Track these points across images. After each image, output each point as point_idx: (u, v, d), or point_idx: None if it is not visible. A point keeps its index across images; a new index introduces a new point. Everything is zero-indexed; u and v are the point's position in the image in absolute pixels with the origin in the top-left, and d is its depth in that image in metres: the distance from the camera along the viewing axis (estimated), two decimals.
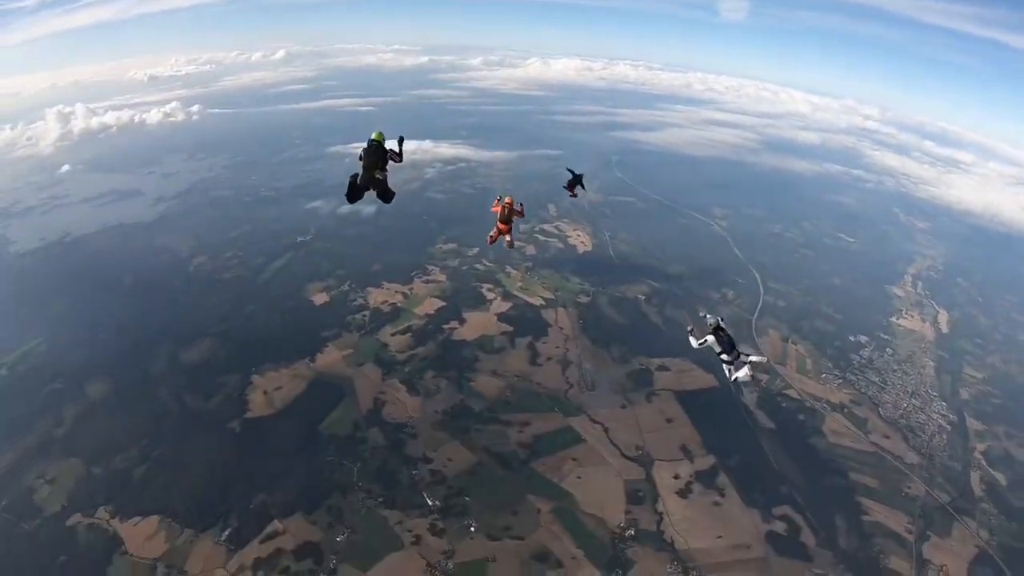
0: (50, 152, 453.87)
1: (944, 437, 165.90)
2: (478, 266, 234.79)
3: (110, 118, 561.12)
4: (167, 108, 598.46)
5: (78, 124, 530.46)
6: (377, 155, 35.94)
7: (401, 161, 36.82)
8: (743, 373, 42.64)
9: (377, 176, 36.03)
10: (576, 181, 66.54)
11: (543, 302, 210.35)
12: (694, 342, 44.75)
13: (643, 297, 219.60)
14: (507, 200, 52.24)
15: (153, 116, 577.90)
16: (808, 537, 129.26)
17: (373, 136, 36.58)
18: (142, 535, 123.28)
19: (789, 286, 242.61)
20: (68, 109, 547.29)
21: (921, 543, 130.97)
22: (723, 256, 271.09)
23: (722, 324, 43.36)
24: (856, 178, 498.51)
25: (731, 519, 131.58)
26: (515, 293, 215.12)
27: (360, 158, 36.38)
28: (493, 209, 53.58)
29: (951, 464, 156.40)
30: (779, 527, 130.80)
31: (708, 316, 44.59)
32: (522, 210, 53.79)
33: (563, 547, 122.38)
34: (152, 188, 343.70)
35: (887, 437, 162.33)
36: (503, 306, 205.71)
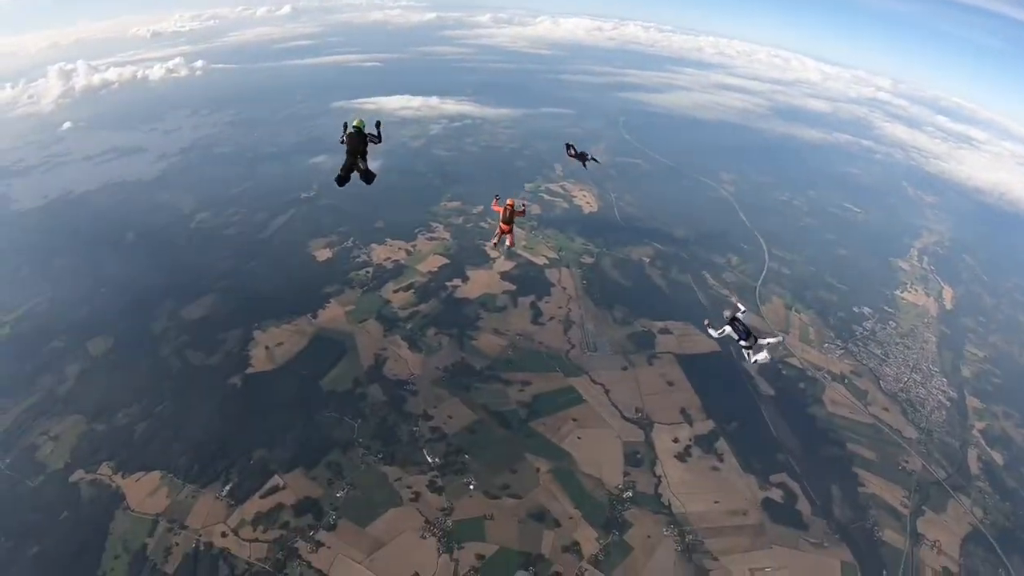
0: (51, 110, 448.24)
1: (943, 413, 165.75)
2: (482, 224, 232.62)
3: (112, 74, 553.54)
4: (170, 64, 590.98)
5: (80, 81, 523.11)
6: (358, 140, 39.81)
7: (379, 142, 40.74)
8: (762, 356, 44.06)
9: (359, 163, 39.76)
10: (581, 157, 65.72)
11: (547, 261, 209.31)
12: (713, 332, 45.91)
13: (647, 260, 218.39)
14: (508, 201, 52.07)
15: (156, 72, 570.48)
16: (804, 505, 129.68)
17: (354, 123, 40.54)
18: (144, 491, 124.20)
19: (794, 254, 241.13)
20: (70, 66, 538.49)
21: (915, 517, 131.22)
22: (729, 221, 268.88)
23: (738, 316, 44.59)
24: (866, 149, 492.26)
25: (728, 484, 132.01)
26: (519, 252, 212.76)
27: (342, 141, 40.64)
28: (494, 208, 53.21)
29: (949, 441, 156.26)
30: (776, 494, 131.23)
31: (725, 311, 45.73)
32: (524, 210, 53.85)
33: (561, 507, 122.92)
34: (155, 145, 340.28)
35: (886, 410, 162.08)
36: (506, 265, 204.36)
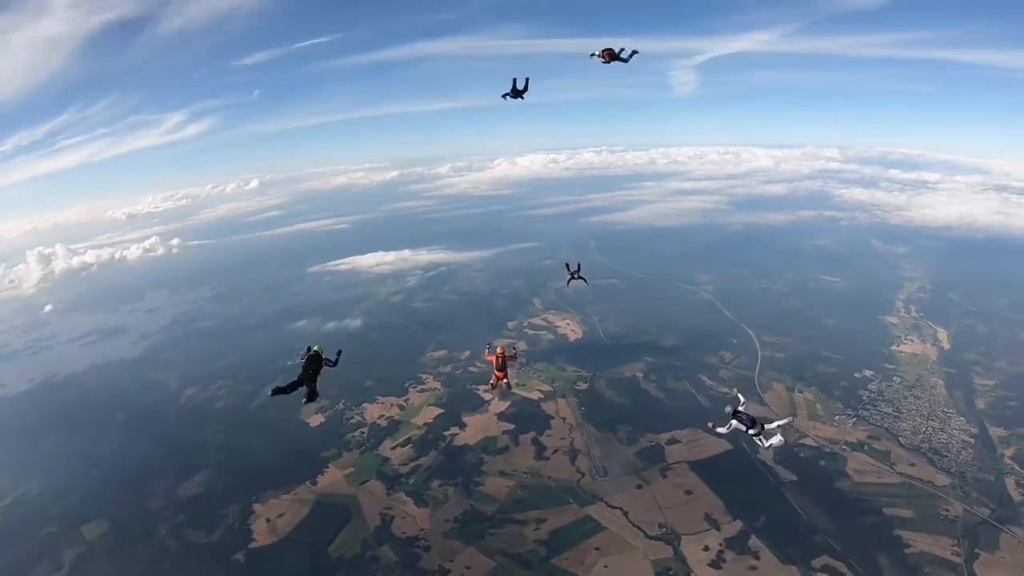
0: (32, 293, 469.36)
1: (970, 451, 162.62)
2: (472, 369, 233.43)
3: (91, 257, 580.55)
4: (146, 244, 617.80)
5: (59, 264, 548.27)
6: (314, 364, 41.98)
7: (335, 366, 43.37)
8: (776, 440, 43.82)
9: (308, 383, 41.63)
10: (575, 273, 71.70)
11: (542, 395, 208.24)
12: (721, 430, 45.57)
13: (641, 374, 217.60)
14: (499, 350, 54.74)
15: (133, 252, 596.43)
16: None
17: (315, 348, 42.89)
18: None
19: (785, 337, 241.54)
20: (49, 250, 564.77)
21: (971, 563, 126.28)
22: (714, 320, 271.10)
23: (739, 408, 44.73)
24: (829, 219, 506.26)
25: None
26: (512, 391, 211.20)
27: (301, 359, 42.60)
28: (487, 358, 55.95)
29: (983, 476, 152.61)
30: None
31: (726, 407, 45.59)
32: (515, 354, 56.90)
33: None
34: (136, 324, 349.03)
35: (913, 465, 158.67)
36: (502, 406, 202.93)
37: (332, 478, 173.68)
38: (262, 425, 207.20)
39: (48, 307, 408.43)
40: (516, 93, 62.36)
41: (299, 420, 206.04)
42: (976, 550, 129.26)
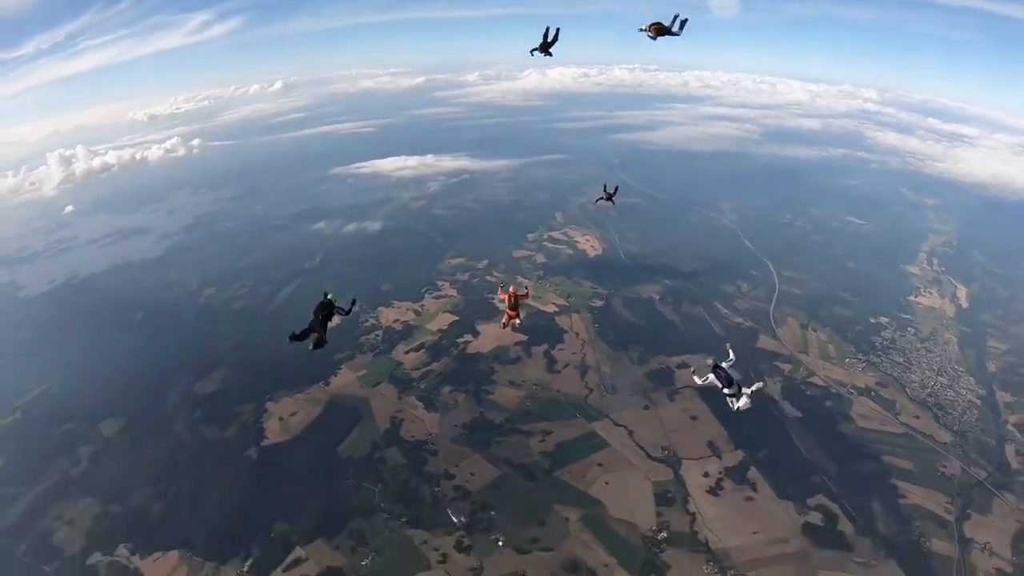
0: (54, 195, 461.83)
1: (975, 412, 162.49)
2: (488, 278, 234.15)
3: (112, 158, 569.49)
4: (168, 144, 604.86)
5: (80, 166, 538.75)
6: (325, 311, 42.24)
7: (347, 315, 43.66)
8: (743, 402, 44.56)
9: (318, 329, 41.82)
10: (609, 195, 72.01)
11: (556, 309, 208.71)
12: (697, 379, 47.73)
13: (657, 296, 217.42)
14: (512, 289, 54.38)
15: (154, 153, 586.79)
16: (846, 525, 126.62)
17: (328, 296, 42.85)
18: (163, 571, 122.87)
19: (804, 274, 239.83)
20: (69, 152, 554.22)
21: (962, 523, 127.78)
22: (735, 249, 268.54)
23: (721, 364, 45.37)
24: (861, 160, 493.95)
25: (765, 514, 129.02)
26: (528, 303, 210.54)
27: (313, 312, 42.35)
28: (500, 296, 56.39)
29: (985, 439, 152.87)
30: (815, 518, 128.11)
31: (708, 358, 46.59)
32: (527, 293, 56.55)
33: (595, 556, 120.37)
34: (158, 224, 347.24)
35: (917, 417, 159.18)
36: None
37: (345, 379, 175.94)
38: (279, 326, 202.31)
39: (69, 208, 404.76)
40: (545, 47, 59.83)
41: None
42: (968, 510, 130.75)
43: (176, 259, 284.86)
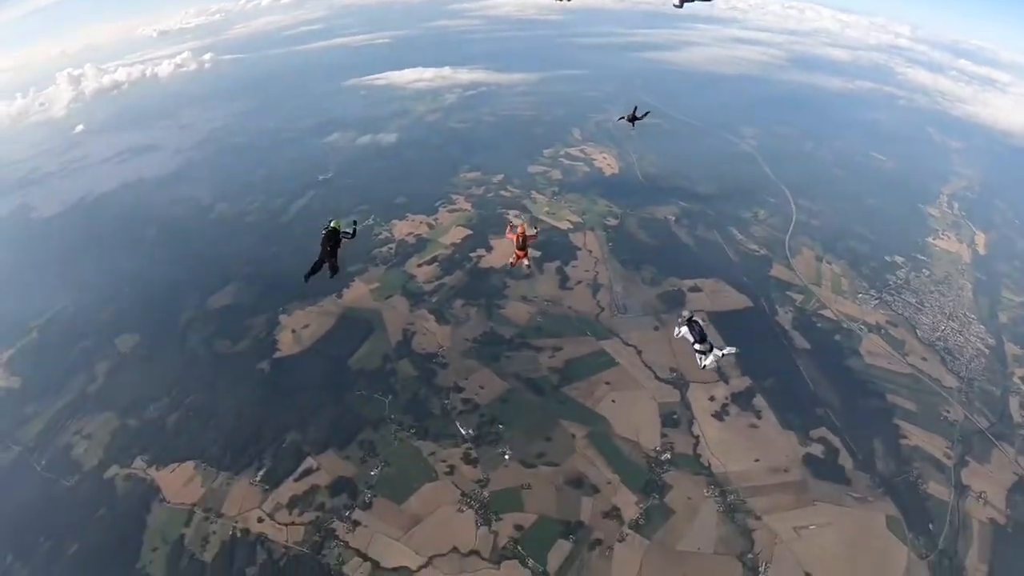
0: (63, 115, 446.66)
1: (982, 361, 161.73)
2: (503, 192, 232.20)
3: (121, 75, 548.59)
4: (178, 60, 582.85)
5: (90, 85, 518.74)
6: (332, 239, 44.15)
7: (353, 238, 45.22)
8: (710, 361, 45.14)
9: (330, 258, 44.25)
10: (636, 116, 70.74)
11: (571, 226, 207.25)
12: (676, 331, 48.05)
13: (673, 218, 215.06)
14: (520, 229, 54.35)
15: (165, 69, 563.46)
16: (846, 460, 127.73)
17: (332, 224, 44.92)
18: (178, 482, 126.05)
19: (822, 205, 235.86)
20: (78, 71, 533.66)
21: (960, 469, 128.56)
22: (753, 175, 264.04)
23: (695, 317, 46.39)
24: (889, 95, 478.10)
25: (768, 442, 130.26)
26: (541, 218, 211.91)
27: (321, 244, 44.46)
28: (508, 236, 55.88)
29: (990, 389, 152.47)
30: (816, 450, 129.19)
31: (684, 311, 48.42)
32: (536, 234, 56.99)
33: (598, 472, 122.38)
34: (169, 141, 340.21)
35: (925, 359, 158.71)
36: (529, 231, 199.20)
37: (357, 292, 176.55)
38: (291, 239, 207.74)
39: (79, 128, 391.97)
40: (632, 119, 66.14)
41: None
42: (967, 457, 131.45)
43: (188, 175, 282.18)
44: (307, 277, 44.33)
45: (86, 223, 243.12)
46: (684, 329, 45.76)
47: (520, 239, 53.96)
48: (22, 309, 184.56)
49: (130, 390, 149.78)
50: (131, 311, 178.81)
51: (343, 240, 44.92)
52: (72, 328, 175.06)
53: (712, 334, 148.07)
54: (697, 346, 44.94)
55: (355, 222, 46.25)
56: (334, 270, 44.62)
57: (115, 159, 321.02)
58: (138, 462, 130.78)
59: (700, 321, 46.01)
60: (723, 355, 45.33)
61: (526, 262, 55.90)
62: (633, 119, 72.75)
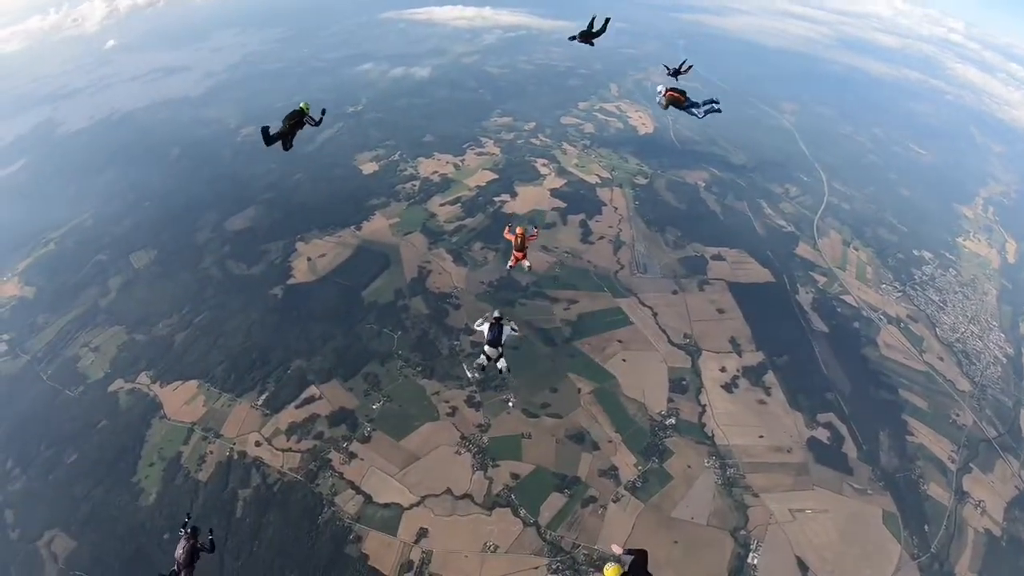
0: (96, 31, 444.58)
1: (999, 369, 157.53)
2: (534, 141, 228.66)
3: None
4: None
5: (124, 1, 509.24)
6: (295, 118, 44.76)
7: (317, 125, 45.84)
8: (502, 363, 45.42)
9: (287, 135, 44.95)
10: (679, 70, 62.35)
11: (599, 181, 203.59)
12: (478, 322, 48.12)
13: (703, 184, 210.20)
14: (519, 230, 52.32)
15: None
16: (850, 449, 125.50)
17: (301, 105, 45.35)
18: (181, 399, 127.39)
19: (855, 190, 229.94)
20: None
21: (962, 474, 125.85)
22: (788, 151, 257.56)
23: (503, 321, 46.84)
24: (935, 89, 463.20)
25: (774, 420, 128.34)
26: (570, 170, 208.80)
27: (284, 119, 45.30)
28: (506, 236, 53.70)
29: (1002, 399, 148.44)
30: (822, 434, 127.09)
31: (496, 310, 48.58)
32: (536, 234, 54.93)
33: (601, 430, 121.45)
34: (200, 63, 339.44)
35: (941, 359, 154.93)
36: (557, 182, 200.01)
37: (377, 225, 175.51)
38: (316, 168, 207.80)
39: (111, 44, 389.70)
40: (588, 36, 58.13)
41: (352, 166, 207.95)
42: (971, 464, 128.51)
43: (217, 98, 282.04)
44: (264, 132, 44.65)
45: (111, 139, 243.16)
46: (486, 326, 46.17)
47: (519, 240, 51.82)
48: (41, 220, 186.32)
49: (141, 306, 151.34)
50: (149, 228, 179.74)
51: (306, 124, 45.47)
52: (89, 241, 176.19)
53: (731, 303, 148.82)
54: (487, 348, 45.02)
55: (323, 111, 46.29)
56: (286, 147, 45.74)
57: (145, 77, 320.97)
58: (143, 377, 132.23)
59: (506, 325, 46.14)
60: (501, 367, 45.84)
61: (527, 263, 53.42)
62: (677, 73, 69.09)
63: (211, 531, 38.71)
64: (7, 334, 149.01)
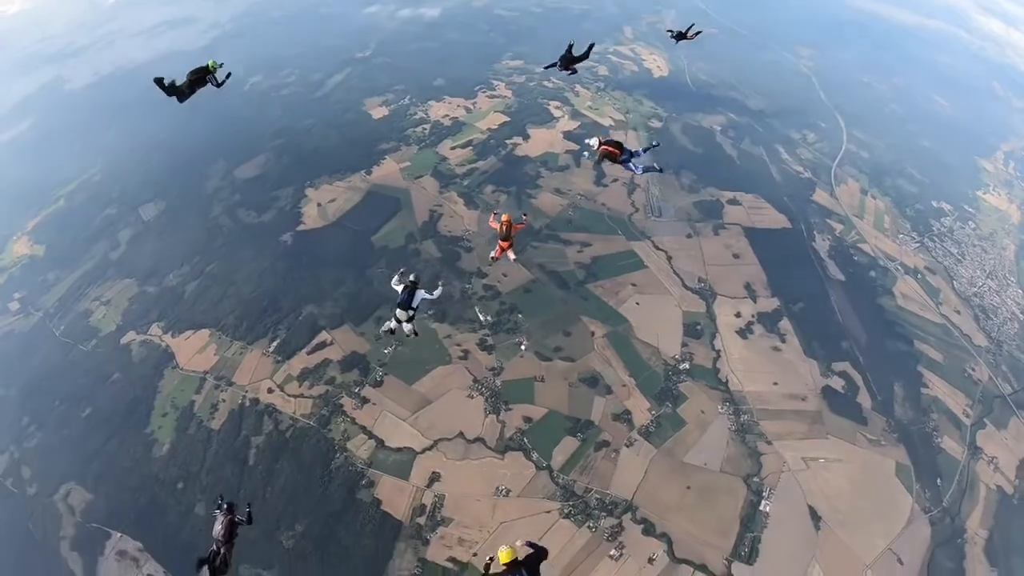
0: None
1: (1015, 326, 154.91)
2: (546, 83, 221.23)
3: None
4: None
5: None
6: (199, 75, 44.73)
7: (219, 87, 45.95)
8: (408, 327, 45.15)
9: (186, 89, 44.91)
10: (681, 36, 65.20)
11: (612, 123, 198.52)
12: (394, 279, 46.72)
13: (719, 128, 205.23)
14: (504, 218, 49.10)
15: None
16: (864, 399, 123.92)
17: (209, 64, 45.09)
18: (193, 348, 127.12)
19: (874, 139, 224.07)
20: None
21: (976, 429, 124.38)
22: (807, 97, 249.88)
23: (418, 283, 45.43)
24: (957, 39, 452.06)
25: (789, 367, 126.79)
26: (583, 112, 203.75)
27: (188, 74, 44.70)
28: (491, 225, 50.44)
29: (1018, 356, 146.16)
30: (837, 383, 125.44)
31: (412, 274, 46.74)
32: (524, 223, 54.24)
33: (614, 374, 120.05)
34: (206, 14, 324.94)
35: (958, 312, 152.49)
36: (570, 124, 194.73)
37: (387, 170, 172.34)
38: (325, 114, 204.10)
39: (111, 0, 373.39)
40: (568, 62, 55.78)
41: (362, 111, 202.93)
42: (985, 419, 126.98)
43: (222, 48, 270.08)
44: (160, 85, 44.92)
45: (118, 95, 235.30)
46: (400, 287, 44.86)
47: (505, 228, 48.73)
48: (50, 178, 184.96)
49: (151, 258, 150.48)
50: (157, 180, 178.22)
51: (208, 83, 45.35)
52: (98, 196, 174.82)
53: (747, 248, 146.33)
54: (398, 311, 44.10)
55: (228, 74, 46.91)
56: (181, 100, 45.78)
57: (149, 32, 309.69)
58: (154, 328, 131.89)
59: (420, 290, 44.77)
60: (408, 331, 45.73)
61: (512, 255, 50.49)
62: (681, 36, 66.32)
63: (249, 504, 38.52)
64: (19, 292, 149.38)
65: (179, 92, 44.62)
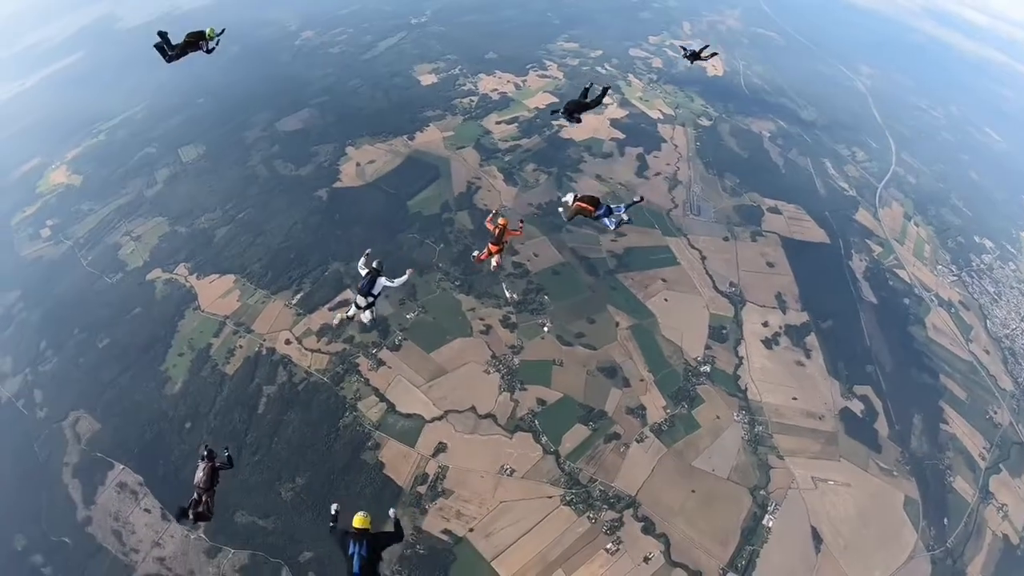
0: None
1: None
2: (599, 69, 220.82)
3: None
4: None
5: None
6: (193, 39, 45.72)
7: (209, 53, 46.71)
8: (367, 316, 44.03)
9: (180, 51, 45.80)
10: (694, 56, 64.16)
11: (661, 116, 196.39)
12: (360, 262, 45.78)
13: (768, 134, 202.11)
14: (501, 221, 46.97)
15: None
16: (882, 426, 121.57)
17: (207, 30, 45.85)
18: (216, 292, 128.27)
19: (923, 165, 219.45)
20: None
21: (990, 473, 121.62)
22: (860, 114, 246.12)
23: (381, 271, 44.93)
24: (1018, 74, 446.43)
25: (810, 383, 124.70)
26: (633, 102, 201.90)
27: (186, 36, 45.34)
28: (487, 225, 48.31)
29: None
30: (856, 407, 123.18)
31: (375, 260, 46.37)
32: (520, 230, 51.87)
33: (634, 367, 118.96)
34: None
35: (987, 352, 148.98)
36: (618, 112, 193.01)
37: (430, 137, 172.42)
38: (373, 75, 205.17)
39: None
40: (581, 108, 51.94)
41: (411, 76, 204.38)
42: (1000, 464, 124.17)
43: (279, 0, 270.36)
44: (160, 35, 46.09)
45: (171, 34, 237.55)
46: (364, 271, 44.34)
47: (499, 231, 46.88)
48: (94, 111, 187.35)
49: (186, 199, 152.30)
50: (200, 124, 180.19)
51: (200, 48, 46.09)
52: (139, 133, 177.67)
53: (782, 258, 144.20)
54: (357, 297, 43.24)
55: (217, 42, 47.34)
56: (168, 60, 46.56)
57: None
58: (180, 268, 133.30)
59: (382, 277, 44.40)
60: (366, 320, 44.58)
61: (495, 261, 48.40)
62: (696, 56, 64.45)
63: (227, 448, 38.52)
64: (51, 220, 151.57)
65: (171, 51, 45.43)
